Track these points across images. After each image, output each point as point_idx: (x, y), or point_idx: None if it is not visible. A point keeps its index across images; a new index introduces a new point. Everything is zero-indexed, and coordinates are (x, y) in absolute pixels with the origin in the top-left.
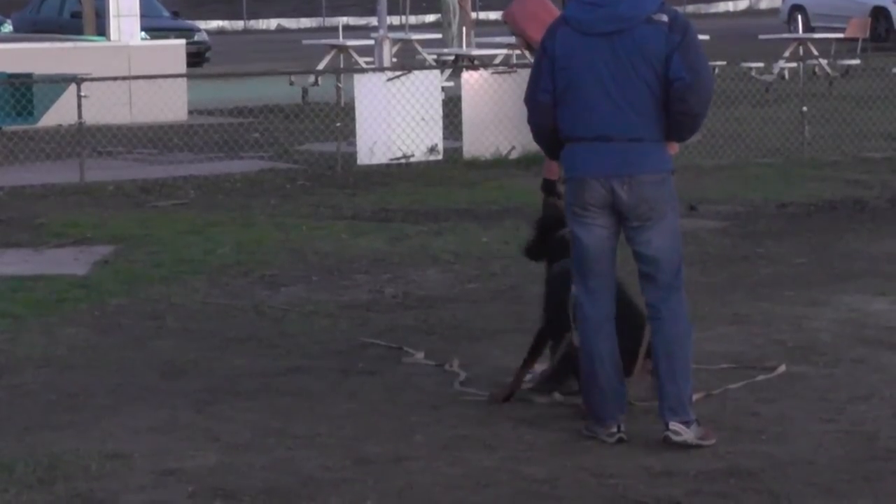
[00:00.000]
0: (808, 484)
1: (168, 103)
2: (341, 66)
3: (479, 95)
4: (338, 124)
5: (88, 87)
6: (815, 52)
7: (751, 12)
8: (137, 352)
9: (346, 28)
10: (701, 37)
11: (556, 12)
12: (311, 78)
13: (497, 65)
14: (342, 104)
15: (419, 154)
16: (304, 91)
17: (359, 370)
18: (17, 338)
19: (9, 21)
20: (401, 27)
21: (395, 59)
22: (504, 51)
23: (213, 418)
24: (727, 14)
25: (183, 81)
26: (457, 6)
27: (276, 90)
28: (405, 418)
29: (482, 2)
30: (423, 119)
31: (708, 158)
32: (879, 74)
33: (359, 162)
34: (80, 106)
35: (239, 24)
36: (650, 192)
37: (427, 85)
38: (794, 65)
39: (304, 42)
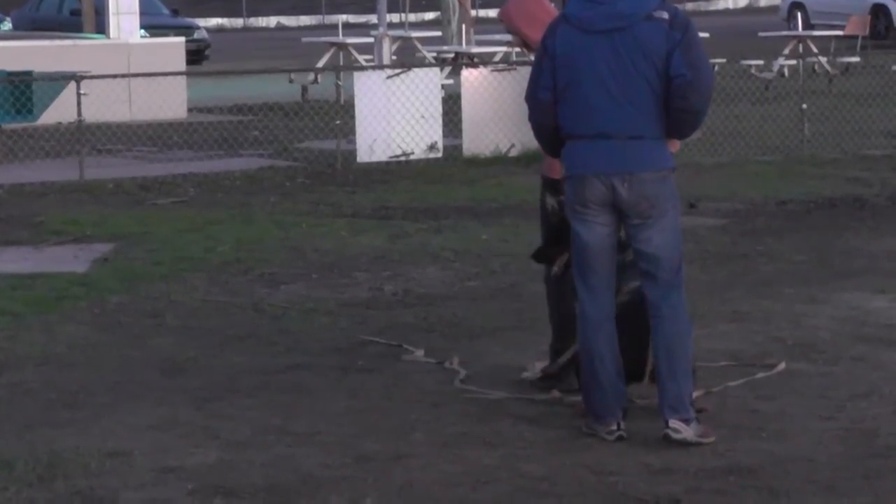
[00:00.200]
0: (807, 481)
1: (167, 101)
2: (341, 63)
3: (478, 93)
4: (337, 122)
5: (88, 84)
6: (815, 50)
7: (750, 10)
8: (137, 349)
9: (346, 26)
10: (701, 34)
11: (552, 10)
12: (311, 76)
13: (497, 62)
14: (342, 102)
15: (419, 152)
16: (304, 89)
17: (358, 368)
18: (16, 336)
19: (8, 19)
20: (400, 25)
21: (394, 57)
22: (504, 48)
23: (212, 416)
24: (727, 11)
25: (182, 79)
26: (456, 4)
27: (276, 88)
28: (405, 416)
29: None
30: (422, 117)
31: (708, 156)
32: (879, 72)
33: (358, 160)
34: (79, 104)
35: (238, 22)
36: (651, 189)
37: (427, 83)
38: (793, 62)
39: (304, 40)
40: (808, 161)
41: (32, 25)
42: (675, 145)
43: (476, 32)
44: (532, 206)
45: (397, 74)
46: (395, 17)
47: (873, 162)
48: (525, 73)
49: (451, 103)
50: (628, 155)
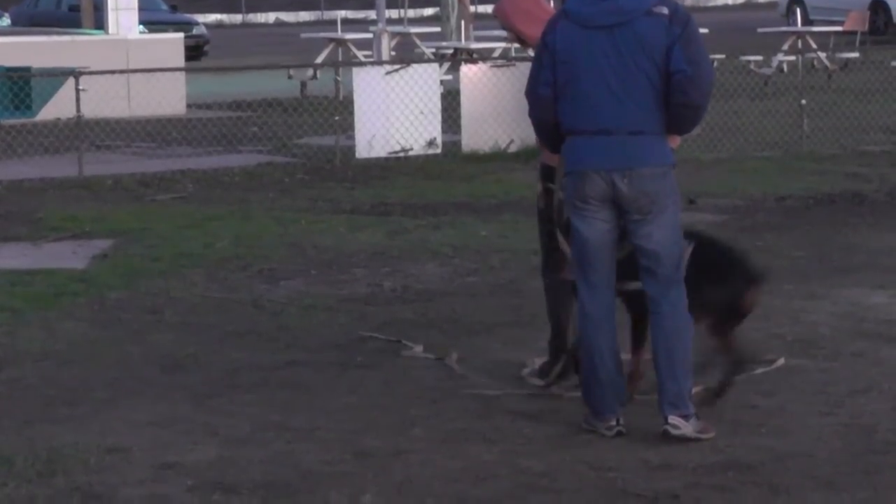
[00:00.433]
0: (807, 477)
1: (166, 97)
2: (340, 59)
3: (477, 89)
4: (336, 118)
5: (87, 80)
6: (814, 46)
7: (749, 5)
8: (136, 346)
9: (345, 21)
10: (700, 30)
11: (547, 7)
12: (310, 71)
13: (496, 58)
14: (341, 98)
15: (418, 148)
16: (303, 85)
17: (358, 364)
18: (15, 332)
19: (7, 15)
20: (399, 21)
21: (393, 53)
22: (503, 44)
23: (212, 412)
24: (726, 7)
25: (181, 75)
26: (455, 0)
27: (275, 84)
28: (404, 412)
29: None
30: (421, 113)
31: (707, 152)
32: (878, 67)
33: (357, 155)
34: (78, 99)
35: (237, 18)
36: (651, 185)
37: (426, 78)
38: (792, 58)
39: (303, 36)
40: (808, 157)
41: (31, 21)
42: (675, 141)
43: (475, 28)
44: (531, 202)
45: (396, 70)
46: (393, 13)
47: (872, 158)
48: (524, 69)
49: (450, 99)
50: (628, 151)
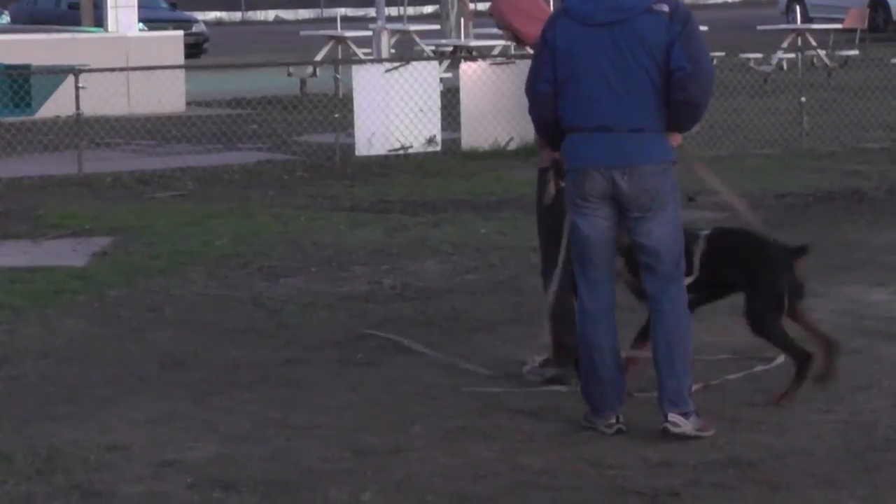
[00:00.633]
0: (806, 474)
1: (166, 95)
2: (339, 57)
3: (477, 86)
4: (336, 115)
5: (86, 78)
6: (814, 43)
7: (749, 3)
8: (136, 343)
9: (345, 19)
10: (699, 27)
11: (543, 5)
12: (310, 69)
13: (495, 56)
14: (340, 95)
15: (417, 145)
16: (303, 82)
17: (357, 361)
18: (15, 329)
19: (6, 12)
20: (399, 18)
21: (393, 51)
22: (502, 42)
23: (211, 409)
24: (725, 5)
25: (181, 73)
26: None
27: (275, 81)
28: (404, 409)
29: None
30: (421, 110)
31: (706, 149)
32: (878, 65)
33: (357, 153)
34: (77, 97)
35: (237, 16)
36: (651, 182)
37: (425, 76)
38: (792, 55)
39: (302, 33)
40: (807, 154)
41: (31, 19)
42: (676, 139)
43: (475, 26)
44: (530, 199)
45: (396, 68)
46: (393, 11)
47: (872, 155)
48: (524, 66)
49: (450, 97)
50: (629, 148)
